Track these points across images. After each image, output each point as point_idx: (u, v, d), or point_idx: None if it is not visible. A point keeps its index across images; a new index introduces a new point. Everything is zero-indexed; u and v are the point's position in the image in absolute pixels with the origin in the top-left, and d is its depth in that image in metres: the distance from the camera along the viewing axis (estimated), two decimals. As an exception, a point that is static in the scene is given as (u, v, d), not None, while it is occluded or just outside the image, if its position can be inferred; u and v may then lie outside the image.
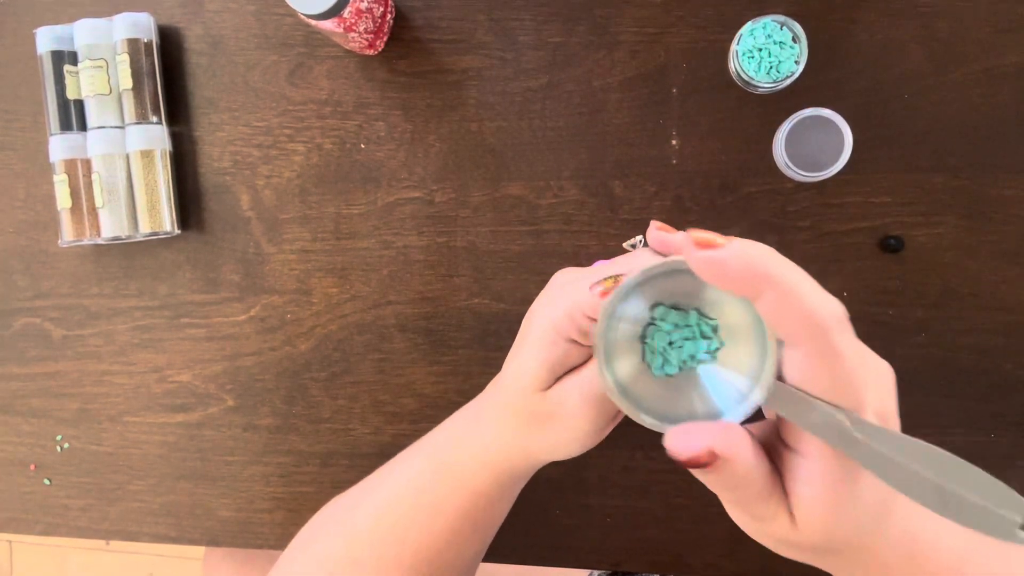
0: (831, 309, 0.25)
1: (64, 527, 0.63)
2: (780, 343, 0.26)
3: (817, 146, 0.50)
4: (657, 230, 0.29)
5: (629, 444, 0.56)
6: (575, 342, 0.35)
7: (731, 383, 0.28)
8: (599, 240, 0.55)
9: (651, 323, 0.30)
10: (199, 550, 1.39)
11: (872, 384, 0.26)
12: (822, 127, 0.50)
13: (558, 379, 0.37)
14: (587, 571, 0.71)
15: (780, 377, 0.27)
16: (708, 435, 0.26)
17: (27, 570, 1.51)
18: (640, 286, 0.29)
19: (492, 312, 0.57)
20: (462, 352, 0.58)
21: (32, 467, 0.63)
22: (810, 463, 0.27)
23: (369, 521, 0.44)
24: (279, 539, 0.61)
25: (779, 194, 0.54)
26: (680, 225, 0.55)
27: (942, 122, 0.52)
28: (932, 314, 0.53)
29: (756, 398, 0.27)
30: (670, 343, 0.29)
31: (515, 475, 0.42)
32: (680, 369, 0.29)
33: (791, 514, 0.27)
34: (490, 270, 0.57)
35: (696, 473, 0.27)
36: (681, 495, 0.56)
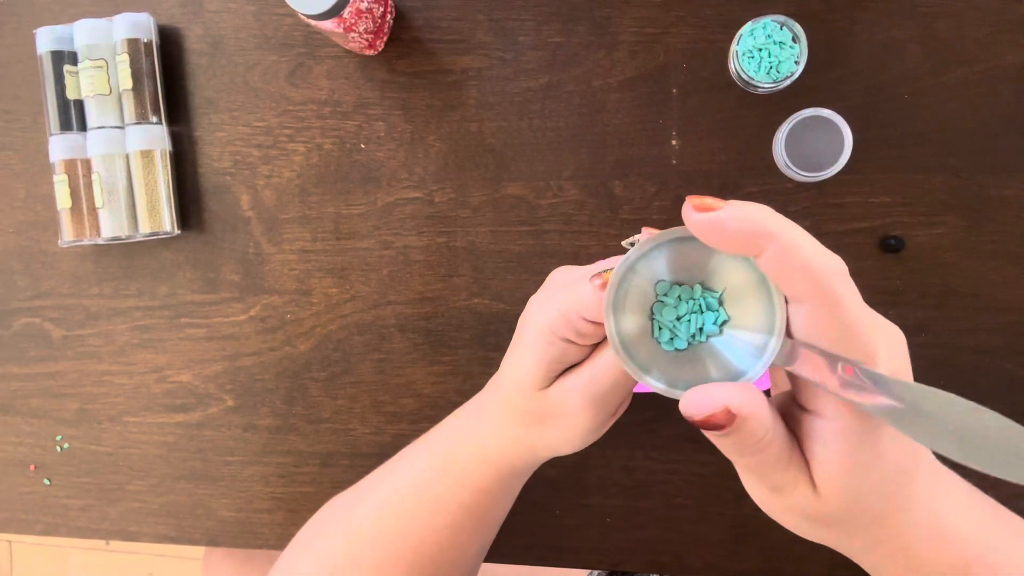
0: (832, 261, 0.25)
1: (64, 527, 0.63)
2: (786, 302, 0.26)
3: (817, 146, 0.50)
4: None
5: (629, 444, 0.56)
6: (571, 342, 0.35)
7: (743, 347, 0.28)
8: (599, 240, 0.55)
9: (658, 300, 0.30)
10: (199, 550, 1.39)
11: (883, 344, 0.26)
12: (822, 127, 0.50)
13: (557, 377, 0.37)
14: (587, 571, 0.71)
15: (790, 335, 0.27)
16: (724, 393, 0.26)
17: (27, 570, 1.51)
18: (643, 259, 0.29)
19: (492, 312, 0.57)
20: (462, 352, 0.58)
21: (32, 467, 0.63)
22: (828, 423, 0.26)
23: (370, 519, 0.44)
24: (279, 539, 0.61)
25: (779, 194, 0.54)
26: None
27: (942, 122, 0.52)
28: (932, 314, 0.53)
29: (772, 347, 0.27)
30: (678, 317, 0.29)
31: (516, 471, 0.42)
32: (689, 344, 0.29)
33: (812, 482, 0.27)
34: (490, 270, 0.57)
35: (712, 437, 0.27)
36: (681, 495, 0.56)
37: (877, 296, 0.53)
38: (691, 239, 0.27)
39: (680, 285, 0.29)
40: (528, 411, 0.38)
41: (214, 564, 0.74)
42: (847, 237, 0.53)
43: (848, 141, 0.49)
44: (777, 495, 0.28)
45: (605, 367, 0.35)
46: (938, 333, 0.53)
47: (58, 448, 0.62)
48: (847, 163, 0.49)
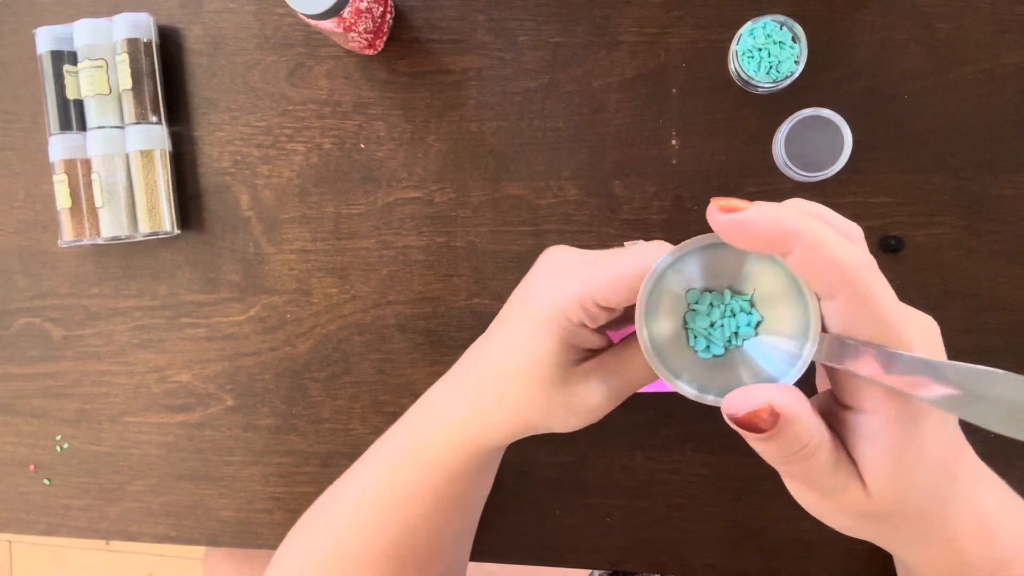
0: (861, 254, 0.25)
1: (64, 527, 0.63)
2: (818, 298, 0.26)
3: (817, 146, 0.50)
4: (720, 210, 0.26)
5: (629, 444, 0.56)
6: (584, 326, 0.34)
7: (778, 351, 0.28)
8: (599, 240, 0.55)
9: (690, 309, 0.30)
10: (199, 550, 1.39)
11: (916, 332, 0.26)
12: (822, 127, 0.50)
13: (578, 362, 0.36)
14: (587, 571, 0.71)
15: (825, 330, 0.26)
16: (768, 393, 0.25)
17: (27, 570, 1.51)
18: (670, 268, 0.29)
19: (492, 312, 0.57)
20: (462, 352, 0.58)
21: (32, 467, 0.63)
22: (871, 418, 0.26)
23: (349, 511, 0.44)
24: (279, 539, 0.61)
25: (779, 194, 0.54)
26: (681, 225, 0.55)
27: (942, 122, 0.52)
28: (932, 314, 0.52)
29: (808, 352, 0.26)
30: (711, 324, 0.29)
31: (490, 451, 0.41)
32: (726, 349, 0.29)
33: (862, 481, 0.27)
34: (490, 270, 0.57)
35: (755, 443, 0.26)
36: (681, 495, 0.56)
37: (877, 296, 0.53)
38: (716, 246, 0.27)
39: (710, 292, 0.29)
40: (544, 402, 0.36)
41: (214, 564, 0.74)
42: (847, 237, 0.53)
43: (848, 141, 0.49)
44: (827, 498, 0.28)
45: (639, 375, 0.35)
46: (938, 333, 0.53)
47: (58, 448, 0.62)
48: (847, 163, 0.49)
